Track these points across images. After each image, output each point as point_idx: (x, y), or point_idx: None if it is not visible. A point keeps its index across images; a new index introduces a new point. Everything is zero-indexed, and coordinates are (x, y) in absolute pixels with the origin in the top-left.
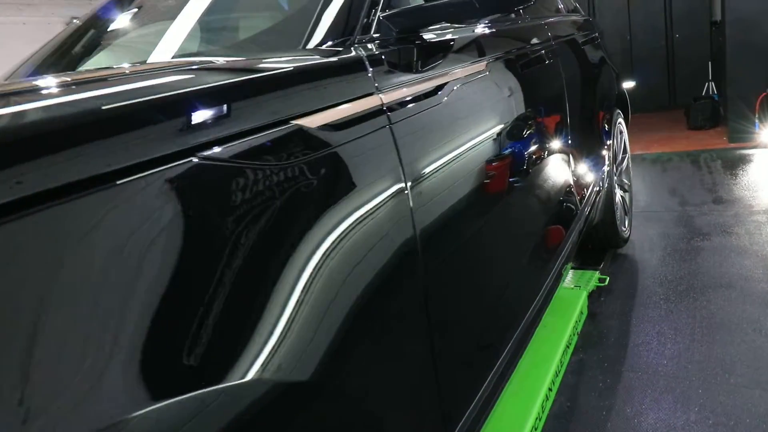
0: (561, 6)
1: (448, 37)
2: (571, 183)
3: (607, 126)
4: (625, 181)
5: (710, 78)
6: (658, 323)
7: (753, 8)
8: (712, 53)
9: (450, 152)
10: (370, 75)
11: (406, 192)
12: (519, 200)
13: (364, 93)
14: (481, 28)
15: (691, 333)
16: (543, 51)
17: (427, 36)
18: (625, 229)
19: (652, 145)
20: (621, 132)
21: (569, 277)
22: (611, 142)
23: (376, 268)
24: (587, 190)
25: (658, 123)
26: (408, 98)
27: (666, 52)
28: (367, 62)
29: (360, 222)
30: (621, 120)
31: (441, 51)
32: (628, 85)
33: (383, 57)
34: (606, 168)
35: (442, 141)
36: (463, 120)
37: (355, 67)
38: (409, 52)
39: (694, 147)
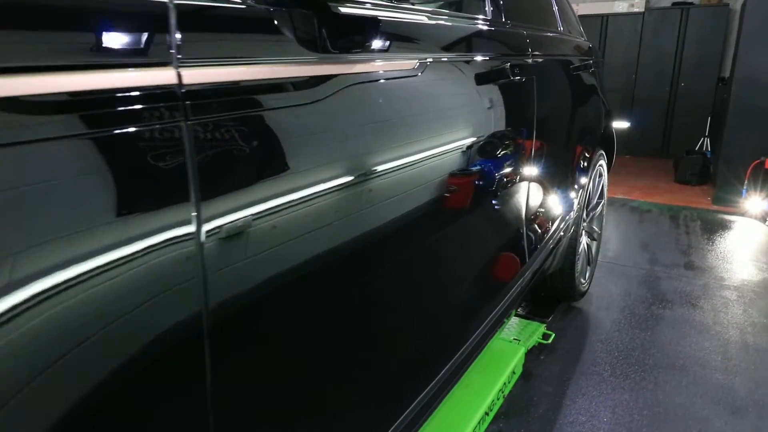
0: (560, 24)
1: (363, 12)
2: (524, 225)
3: (583, 165)
4: (596, 228)
5: (707, 134)
6: (596, 401)
7: (764, 69)
8: (714, 109)
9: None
10: (170, 36)
11: (192, 238)
12: (449, 238)
13: (153, 60)
14: (424, 17)
15: (629, 421)
16: (510, 64)
17: (338, 5)
18: (584, 282)
19: (634, 191)
20: (601, 175)
21: (513, 324)
22: (586, 184)
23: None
24: (545, 235)
25: (647, 169)
26: (241, 86)
27: (668, 98)
28: (172, 13)
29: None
30: (603, 162)
31: (346, 29)
32: (621, 125)
33: (204, 12)
34: (573, 213)
35: (303, 164)
36: (359, 133)
37: (148, 16)
38: (284, 18)
39: (676, 202)
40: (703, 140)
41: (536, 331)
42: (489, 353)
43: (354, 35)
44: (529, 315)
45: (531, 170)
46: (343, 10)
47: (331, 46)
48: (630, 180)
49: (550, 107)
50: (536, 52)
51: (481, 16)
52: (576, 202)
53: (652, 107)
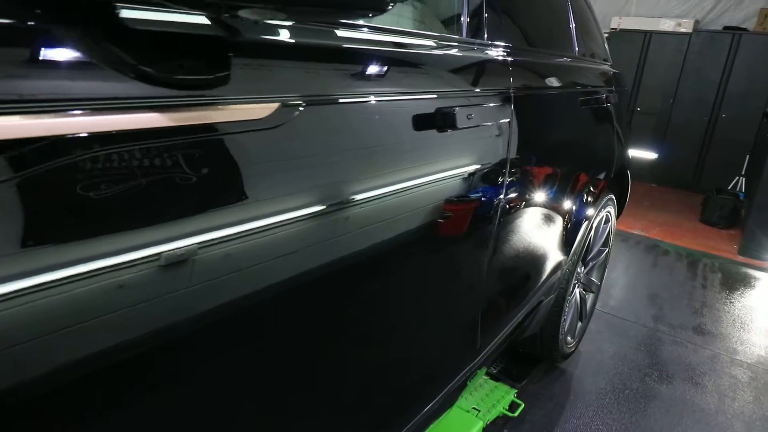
0: (576, 46)
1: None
2: (481, 302)
3: (581, 215)
4: (595, 280)
5: (743, 173)
6: None
7: None
8: (755, 146)
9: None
10: None
11: None
12: (391, 299)
13: None
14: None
15: None
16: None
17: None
18: (570, 342)
19: (654, 228)
20: (608, 221)
21: (479, 386)
22: (584, 235)
23: None
24: (515, 304)
25: (672, 203)
26: None
27: (706, 128)
28: None
29: None
30: (611, 208)
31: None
32: (648, 156)
33: None
34: (563, 270)
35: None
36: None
37: None
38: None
39: (698, 246)
40: (738, 179)
41: (503, 399)
42: (439, 425)
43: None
44: (501, 375)
45: (497, 227)
46: (138, 15)
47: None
48: (651, 214)
49: (537, 150)
50: (520, 84)
51: (437, 34)
52: (568, 257)
53: (687, 136)
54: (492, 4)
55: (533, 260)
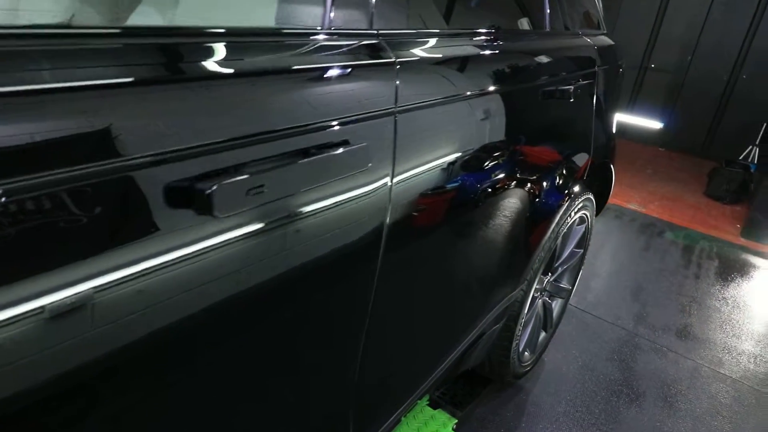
0: (548, 20)
1: None
2: (368, 352)
3: (540, 224)
4: (566, 286)
5: (757, 142)
6: None
7: None
8: None
9: None
10: None
11: None
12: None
13: None
14: None
15: None
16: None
17: None
18: (527, 360)
19: (652, 202)
20: (583, 221)
21: (414, 415)
22: (547, 246)
23: None
24: (441, 350)
25: (677, 171)
26: None
27: (723, 90)
28: None
29: None
30: (587, 211)
31: None
32: (654, 125)
33: None
34: (517, 291)
35: None
36: None
37: None
38: None
39: (698, 225)
40: (752, 149)
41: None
42: None
43: None
44: (441, 400)
45: (379, 274)
46: None
47: None
48: (652, 184)
49: (475, 134)
50: (413, 92)
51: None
52: (522, 276)
53: (701, 96)
54: None
55: (463, 298)
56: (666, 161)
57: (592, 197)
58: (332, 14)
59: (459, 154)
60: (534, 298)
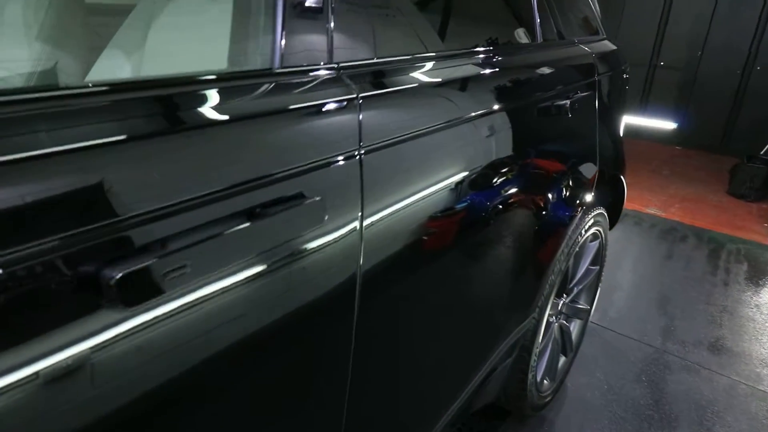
0: (538, 32)
1: None
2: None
3: (549, 241)
4: (583, 305)
5: None
6: None
7: None
8: None
9: None
10: None
11: None
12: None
13: None
14: None
15: None
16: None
17: None
18: (546, 390)
19: (672, 204)
20: (596, 237)
21: None
22: (557, 265)
23: None
24: (468, 367)
25: (696, 170)
26: None
27: (738, 83)
28: None
29: None
30: (600, 226)
31: None
32: (667, 126)
33: None
34: (528, 321)
35: None
36: None
37: None
38: None
39: (723, 227)
40: None
41: None
42: None
43: None
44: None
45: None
46: None
47: None
48: (671, 186)
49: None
50: (365, 94)
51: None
52: (533, 304)
53: (716, 91)
54: None
55: (464, 337)
56: (683, 160)
57: (603, 211)
58: (284, 50)
59: (439, 187)
60: (549, 324)
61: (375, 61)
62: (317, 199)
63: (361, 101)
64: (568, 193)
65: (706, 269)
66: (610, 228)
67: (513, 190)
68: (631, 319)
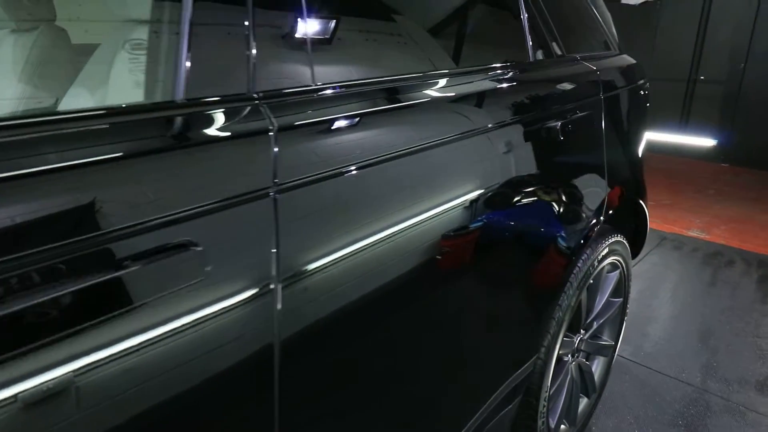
0: (530, 50)
1: None
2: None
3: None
4: (607, 341)
5: None
6: None
7: None
8: None
9: None
10: None
11: None
12: None
13: None
14: None
15: None
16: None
17: None
18: None
19: (716, 226)
20: (616, 267)
21: None
22: (563, 306)
23: None
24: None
25: (744, 189)
26: None
27: None
28: None
29: None
30: (619, 255)
31: None
32: (706, 143)
33: None
34: (532, 361)
35: None
36: None
37: None
38: None
39: None
40: None
41: None
42: None
43: None
44: None
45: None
46: None
47: None
48: (716, 206)
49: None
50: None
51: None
52: (539, 334)
53: (762, 104)
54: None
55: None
56: (730, 178)
57: (622, 239)
58: (188, 79)
59: (385, 226)
60: (562, 363)
61: (307, 88)
62: (199, 249)
63: (277, 132)
64: (568, 222)
65: (755, 297)
66: (634, 256)
67: (491, 227)
68: (668, 354)
